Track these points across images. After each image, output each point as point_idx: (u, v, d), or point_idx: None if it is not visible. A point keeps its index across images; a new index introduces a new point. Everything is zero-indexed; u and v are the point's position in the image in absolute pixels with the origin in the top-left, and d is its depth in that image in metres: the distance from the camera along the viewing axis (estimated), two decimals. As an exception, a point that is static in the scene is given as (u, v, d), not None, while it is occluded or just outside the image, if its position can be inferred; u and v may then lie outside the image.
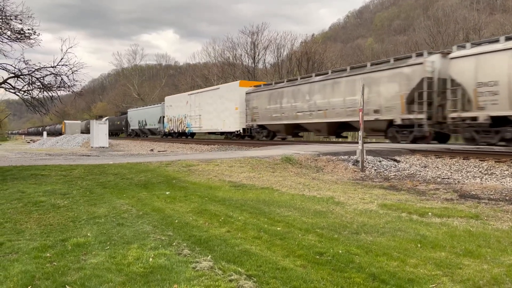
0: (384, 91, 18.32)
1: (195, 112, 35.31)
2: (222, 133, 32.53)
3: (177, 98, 40.34)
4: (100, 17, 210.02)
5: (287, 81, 26.49)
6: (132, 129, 52.78)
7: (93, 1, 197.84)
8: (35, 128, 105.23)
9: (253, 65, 55.40)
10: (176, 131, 39.68)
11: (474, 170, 10.97)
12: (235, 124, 29.60)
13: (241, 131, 29.26)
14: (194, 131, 37.02)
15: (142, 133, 50.95)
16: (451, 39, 43.98)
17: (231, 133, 30.71)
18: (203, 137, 42.62)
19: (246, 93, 28.91)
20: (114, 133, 58.95)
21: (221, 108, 31.15)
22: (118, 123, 58.14)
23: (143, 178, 9.45)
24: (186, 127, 37.24)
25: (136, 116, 51.97)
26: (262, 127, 27.93)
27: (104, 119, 56.51)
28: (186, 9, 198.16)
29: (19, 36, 10.58)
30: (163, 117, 42.90)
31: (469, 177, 10.40)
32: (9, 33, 10.55)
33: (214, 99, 32.18)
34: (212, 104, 32.32)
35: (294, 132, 26.39)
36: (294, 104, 24.21)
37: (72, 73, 10.83)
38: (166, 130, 41.95)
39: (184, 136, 39.95)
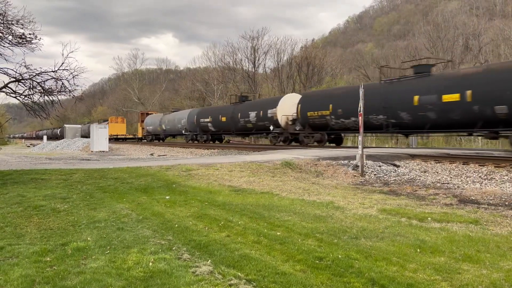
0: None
1: None
2: None
3: None
4: (100, 21, 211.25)
5: None
6: None
7: (92, 4, 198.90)
8: (47, 130, 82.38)
9: (253, 70, 55.49)
10: None
11: (474, 175, 10.97)
12: None
13: None
14: None
15: None
16: (451, 44, 44.12)
17: None
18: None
19: None
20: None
21: None
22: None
23: (143, 183, 9.45)
24: None
25: None
26: None
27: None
28: (186, 13, 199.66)
29: (20, 41, 10.62)
30: None
31: (469, 182, 10.41)
32: (10, 37, 10.60)
33: None
34: None
35: None
36: None
37: (73, 77, 10.87)
38: None
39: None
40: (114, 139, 49.96)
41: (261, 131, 26.79)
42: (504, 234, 5.22)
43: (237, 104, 27.00)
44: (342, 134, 23.32)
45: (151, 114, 48.26)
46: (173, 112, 41.82)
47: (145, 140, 46.32)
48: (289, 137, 24.45)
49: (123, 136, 51.65)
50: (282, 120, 24.52)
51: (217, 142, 31.01)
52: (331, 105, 20.68)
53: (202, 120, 32.82)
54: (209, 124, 31.35)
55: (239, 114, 27.13)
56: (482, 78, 14.57)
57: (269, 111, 24.88)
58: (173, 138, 44.03)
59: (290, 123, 24.40)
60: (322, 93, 25.07)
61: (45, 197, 7.61)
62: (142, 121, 46.90)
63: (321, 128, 21.89)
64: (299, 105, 23.12)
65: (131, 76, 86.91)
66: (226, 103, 42.74)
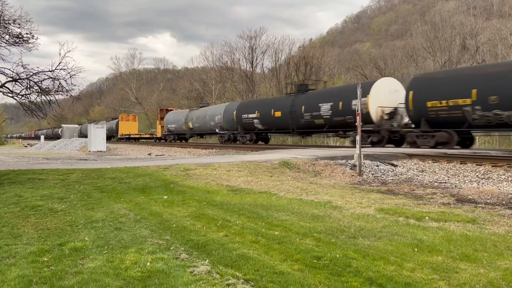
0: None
1: None
2: None
3: None
4: (97, 20, 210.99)
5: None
6: None
7: (89, 4, 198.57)
8: (47, 129, 78.68)
9: (251, 70, 55.48)
10: None
11: (471, 175, 11.00)
12: None
13: None
14: None
15: None
16: (448, 44, 44.18)
17: None
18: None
19: None
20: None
21: None
22: None
23: (140, 182, 9.44)
24: None
25: None
26: None
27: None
28: (183, 12, 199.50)
29: (17, 40, 10.59)
30: None
31: (466, 181, 10.44)
32: (7, 37, 10.56)
33: None
34: None
35: None
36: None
37: (70, 77, 10.84)
38: None
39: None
40: (126, 138, 45.68)
41: (337, 129, 20.60)
42: (501, 233, 5.24)
43: (297, 94, 21.62)
44: (473, 133, 16.77)
45: (172, 110, 41.76)
46: (202, 107, 35.46)
47: (164, 141, 39.33)
48: (386, 136, 18.15)
49: (137, 136, 45.17)
50: (376, 114, 18.45)
51: (260, 142, 24.93)
52: (475, 90, 14.38)
53: (245, 116, 26.87)
54: (256, 121, 25.62)
55: (303, 107, 21.50)
56: None
57: (354, 102, 18.35)
58: (201, 138, 36.78)
59: (385, 117, 18.50)
60: (455, 73, 17.11)
61: (42, 197, 7.59)
62: (162, 119, 39.96)
63: (451, 124, 15.24)
64: (412, 92, 16.51)
65: (128, 76, 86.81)
66: (225, 102, 41.18)
